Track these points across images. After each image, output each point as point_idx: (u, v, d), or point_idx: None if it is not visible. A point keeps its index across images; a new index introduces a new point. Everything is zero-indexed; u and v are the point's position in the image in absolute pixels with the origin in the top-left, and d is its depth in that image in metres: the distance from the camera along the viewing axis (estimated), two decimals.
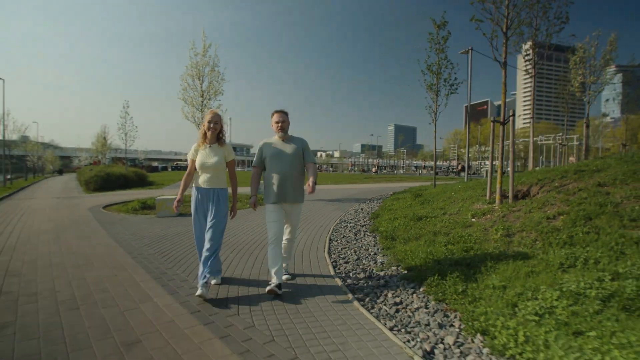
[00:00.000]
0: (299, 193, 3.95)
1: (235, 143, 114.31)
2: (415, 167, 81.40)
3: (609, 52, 14.61)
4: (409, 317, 3.31)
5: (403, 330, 3.06)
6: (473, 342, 2.82)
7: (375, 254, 5.29)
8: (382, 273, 4.43)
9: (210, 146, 3.95)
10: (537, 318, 2.81)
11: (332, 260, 5.02)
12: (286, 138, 3.99)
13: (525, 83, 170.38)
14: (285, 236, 4.05)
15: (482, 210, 6.03)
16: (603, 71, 14.84)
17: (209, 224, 3.79)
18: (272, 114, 4.00)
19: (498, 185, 6.28)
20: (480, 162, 55.40)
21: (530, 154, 13.57)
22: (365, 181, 28.10)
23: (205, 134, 3.93)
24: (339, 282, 4.17)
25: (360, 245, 5.82)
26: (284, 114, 3.99)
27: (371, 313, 3.36)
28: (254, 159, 4.06)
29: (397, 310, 3.43)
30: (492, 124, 7.44)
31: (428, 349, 2.73)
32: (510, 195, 6.15)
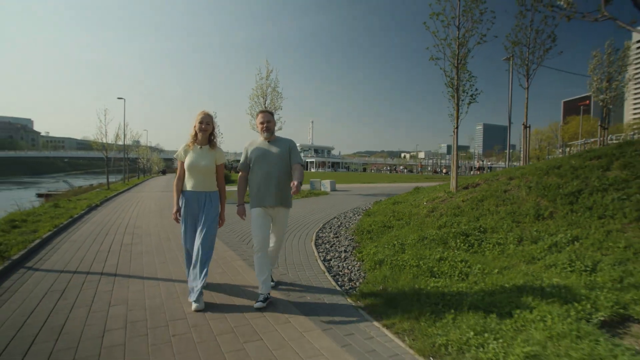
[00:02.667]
0: (285, 197, 3.70)
1: (317, 145, 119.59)
2: (480, 168, 79.20)
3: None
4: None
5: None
6: (361, 260, 5.29)
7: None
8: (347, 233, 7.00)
9: (200, 148, 3.74)
10: (399, 247, 5.23)
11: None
12: (272, 139, 3.77)
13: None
14: (271, 243, 3.82)
15: (438, 197, 8.16)
16: None
17: (201, 229, 3.61)
18: (257, 114, 3.82)
19: (453, 181, 8.40)
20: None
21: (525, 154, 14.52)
22: (408, 180, 29.70)
23: (196, 134, 3.72)
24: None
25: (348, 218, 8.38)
26: (269, 114, 3.79)
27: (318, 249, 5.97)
28: (240, 162, 3.84)
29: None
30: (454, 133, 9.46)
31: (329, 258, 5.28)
32: (454, 187, 8.30)
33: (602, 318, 2.99)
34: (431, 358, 2.66)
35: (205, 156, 3.70)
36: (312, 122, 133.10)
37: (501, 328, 2.88)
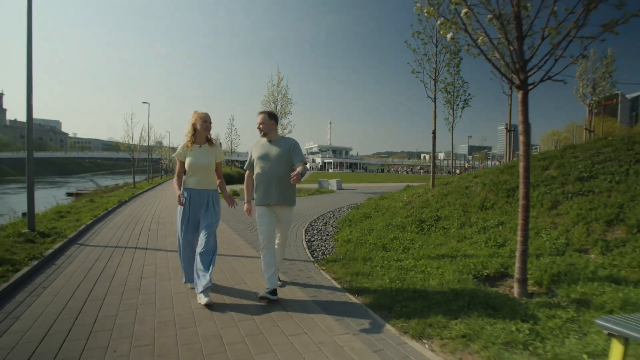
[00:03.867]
0: (288, 195, 3.78)
1: (336, 146, 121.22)
2: (466, 168, 79.93)
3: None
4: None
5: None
6: (336, 241, 6.60)
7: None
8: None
9: (200, 146, 3.83)
10: (367, 231, 6.52)
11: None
12: (273, 139, 3.85)
13: None
14: (276, 241, 3.91)
15: (417, 193, 9.37)
16: None
17: (204, 225, 3.72)
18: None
19: (431, 180, 9.63)
20: None
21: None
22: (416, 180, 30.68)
23: (194, 133, 3.81)
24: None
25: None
26: (265, 115, 3.84)
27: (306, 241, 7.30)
28: (246, 162, 3.98)
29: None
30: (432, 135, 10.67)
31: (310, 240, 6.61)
32: (431, 185, 9.51)
33: (486, 273, 4.24)
34: (355, 295, 3.97)
35: (205, 154, 3.83)
36: (331, 123, 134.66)
37: (412, 276, 4.17)
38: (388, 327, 3.11)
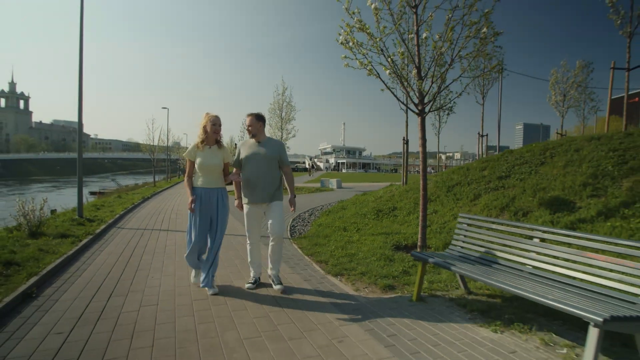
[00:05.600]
0: (274, 193, 4.00)
1: (349, 146, 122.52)
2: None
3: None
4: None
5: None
6: (312, 225, 8.43)
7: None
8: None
9: (210, 148, 3.99)
10: (338, 218, 8.32)
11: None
12: (262, 140, 4.03)
13: None
14: (271, 237, 4.01)
15: (392, 190, 11.09)
16: None
17: (216, 222, 3.99)
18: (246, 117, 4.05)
19: (403, 178, 11.36)
20: None
21: None
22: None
23: (205, 135, 3.96)
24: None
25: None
26: (253, 117, 4.00)
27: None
28: (234, 160, 4.14)
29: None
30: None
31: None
32: (403, 182, 11.22)
33: (405, 244, 6.02)
34: (310, 257, 5.78)
35: (214, 155, 3.98)
36: (344, 123, 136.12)
37: (352, 246, 5.97)
38: (320, 270, 4.93)
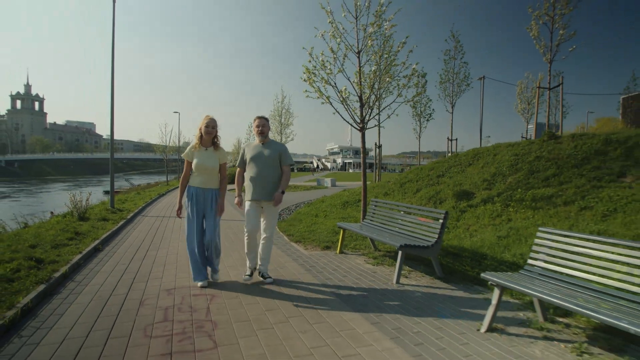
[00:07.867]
0: (274, 192, 4.22)
1: (356, 146, 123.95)
2: None
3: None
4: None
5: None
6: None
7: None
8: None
9: (206, 149, 4.17)
10: (314, 208, 10.51)
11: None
12: (266, 142, 4.31)
13: None
14: (262, 235, 4.32)
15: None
16: None
17: (210, 220, 4.19)
18: (254, 119, 4.38)
19: (377, 174, 13.50)
20: None
21: None
22: None
23: (201, 136, 4.12)
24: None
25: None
26: (264, 119, 4.34)
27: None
28: (238, 160, 4.46)
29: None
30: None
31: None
32: (375, 180, 13.34)
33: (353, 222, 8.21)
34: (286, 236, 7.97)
35: (210, 157, 4.16)
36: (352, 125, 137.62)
37: (315, 226, 8.15)
38: (288, 240, 7.10)
